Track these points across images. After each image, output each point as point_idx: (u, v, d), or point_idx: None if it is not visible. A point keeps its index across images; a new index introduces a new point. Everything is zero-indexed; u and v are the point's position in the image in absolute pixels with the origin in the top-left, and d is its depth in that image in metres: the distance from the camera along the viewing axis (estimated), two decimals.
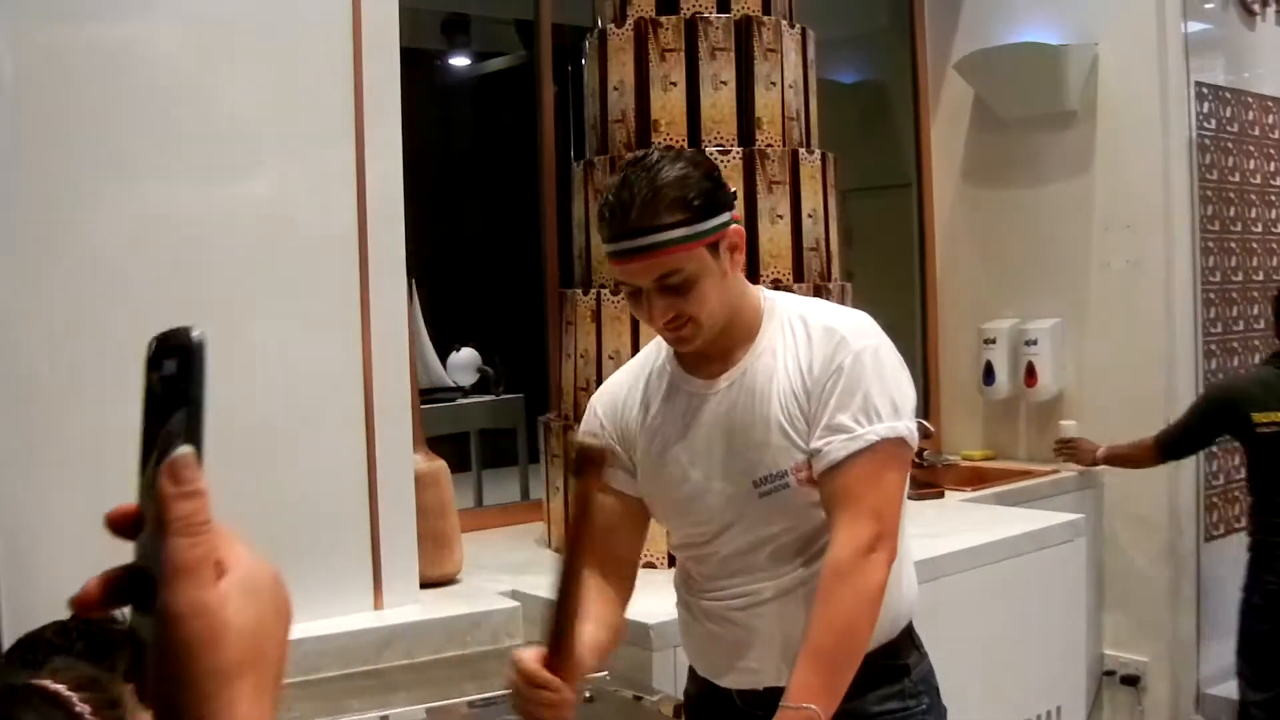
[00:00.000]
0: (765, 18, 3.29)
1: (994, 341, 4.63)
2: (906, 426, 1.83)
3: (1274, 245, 4.85)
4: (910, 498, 3.76)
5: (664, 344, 1.96)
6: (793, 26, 3.37)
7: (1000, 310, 4.73)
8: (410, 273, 4.30)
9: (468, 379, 4.83)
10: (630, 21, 3.27)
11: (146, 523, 0.65)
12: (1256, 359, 4.62)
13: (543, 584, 2.94)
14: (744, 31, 3.25)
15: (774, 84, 3.29)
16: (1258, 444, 3.81)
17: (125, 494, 2.38)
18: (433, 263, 5.48)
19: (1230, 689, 4.11)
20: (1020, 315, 4.65)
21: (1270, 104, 4.85)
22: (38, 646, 1.37)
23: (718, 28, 3.23)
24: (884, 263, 5.28)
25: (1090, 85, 4.46)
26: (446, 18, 5.54)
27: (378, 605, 2.73)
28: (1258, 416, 3.76)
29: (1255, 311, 4.71)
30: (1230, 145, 4.62)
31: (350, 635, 2.61)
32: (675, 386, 1.95)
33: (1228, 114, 4.62)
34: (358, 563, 2.71)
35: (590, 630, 1.77)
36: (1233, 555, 4.50)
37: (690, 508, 1.92)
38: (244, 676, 0.64)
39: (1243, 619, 3.87)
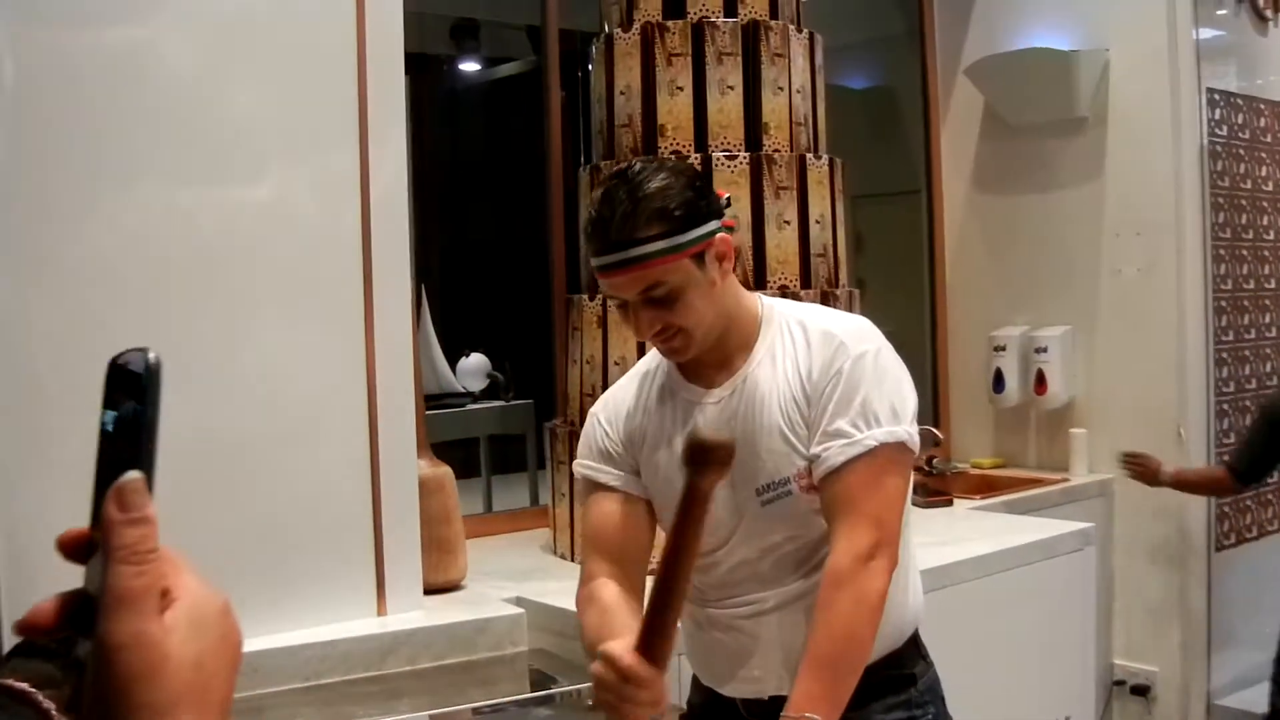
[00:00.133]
0: (773, 22, 3.28)
1: (1004, 349, 4.62)
2: (907, 431, 1.80)
3: None
4: (919, 505, 3.80)
5: None
6: (800, 31, 3.35)
7: (1010, 317, 4.70)
8: (420, 278, 4.30)
9: (477, 385, 4.82)
10: (637, 26, 3.26)
11: (97, 548, 0.64)
12: (1268, 367, 4.60)
13: (547, 590, 2.94)
14: (751, 36, 3.24)
15: (781, 89, 3.27)
16: None
17: None
18: (443, 268, 5.48)
19: (1240, 700, 4.09)
20: (1030, 322, 4.63)
21: None
22: None
23: (725, 32, 3.21)
24: (893, 269, 5.27)
25: (1101, 91, 4.44)
26: (456, 23, 5.53)
27: (381, 611, 2.72)
28: None
29: (1267, 319, 4.68)
30: (1242, 152, 4.60)
31: (353, 641, 2.60)
32: (676, 395, 1.93)
33: (1239, 120, 4.59)
34: (361, 569, 2.70)
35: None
36: (1244, 565, 4.48)
37: None
38: (183, 711, 0.62)
39: None
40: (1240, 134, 4.59)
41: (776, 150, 3.24)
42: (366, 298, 2.70)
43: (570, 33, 4.14)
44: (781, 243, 3.22)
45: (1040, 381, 4.53)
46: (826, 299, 3.19)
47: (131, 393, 0.65)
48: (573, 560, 3.18)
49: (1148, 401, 4.32)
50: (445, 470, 3.04)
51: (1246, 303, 4.60)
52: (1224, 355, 4.47)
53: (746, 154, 3.19)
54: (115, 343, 2.50)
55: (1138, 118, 4.36)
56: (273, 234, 2.61)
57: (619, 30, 3.30)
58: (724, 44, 3.21)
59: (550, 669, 2.65)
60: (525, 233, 4.76)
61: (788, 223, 3.23)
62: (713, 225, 1.81)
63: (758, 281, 3.15)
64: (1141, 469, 4.06)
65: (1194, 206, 4.35)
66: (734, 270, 1.90)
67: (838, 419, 1.78)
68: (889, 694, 1.91)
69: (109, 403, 0.65)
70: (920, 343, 4.96)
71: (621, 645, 1.52)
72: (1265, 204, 4.71)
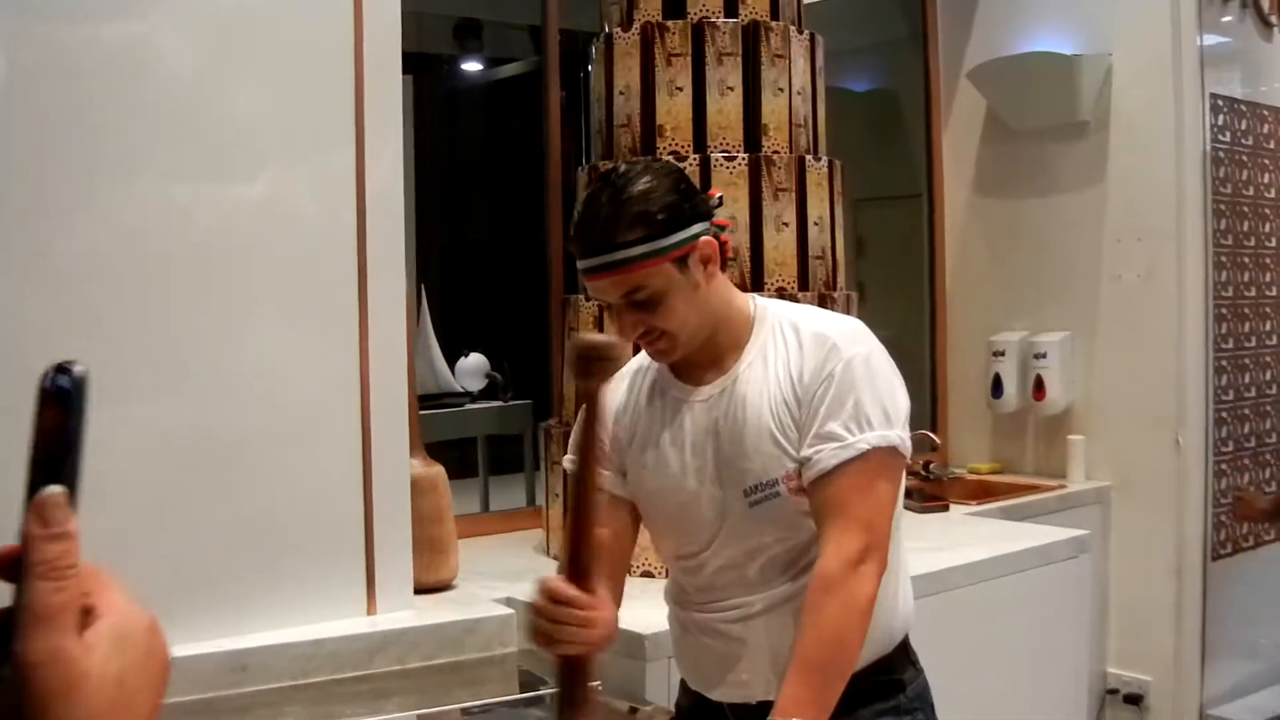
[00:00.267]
0: (773, 23, 3.26)
1: (1003, 354, 4.60)
2: (899, 435, 1.79)
3: None
4: (915, 510, 3.79)
5: None
6: (801, 32, 3.34)
7: (1010, 322, 4.69)
8: (420, 278, 4.29)
9: (476, 385, 4.82)
10: (637, 26, 3.25)
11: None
12: (1268, 375, 4.58)
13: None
14: (751, 37, 3.22)
15: (781, 90, 3.26)
16: None
17: (123, 497, 2.36)
18: (444, 268, 5.47)
19: (1234, 710, 4.08)
20: (1030, 328, 4.62)
21: None
22: None
23: (725, 33, 3.20)
24: (894, 273, 5.26)
25: (1104, 96, 4.43)
26: (459, 22, 5.53)
27: (371, 610, 2.70)
28: None
29: (1268, 327, 4.67)
30: (1245, 158, 4.58)
31: (342, 640, 2.58)
32: (666, 394, 1.93)
33: (1243, 127, 4.58)
34: (351, 567, 2.69)
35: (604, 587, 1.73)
36: (1240, 576, 4.46)
37: (681, 517, 1.90)
38: None
39: None
40: (1243, 140, 4.58)
41: (776, 152, 3.23)
42: (361, 297, 2.69)
43: (572, 33, 4.13)
44: (779, 244, 3.20)
45: (1039, 387, 4.51)
46: (824, 302, 3.17)
47: (58, 407, 0.64)
48: None
49: (1146, 408, 4.31)
50: (438, 470, 3.03)
51: (1247, 310, 4.58)
52: (1224, 363, 4.46)
53: (745, 155, 3.18)
54: (110, 339, 2.51)
55: (1140, 123, 4.35)
56: (269, 232, 2.60)
57: (619, 30, 3.29)
58: (724, 44, 3.20)
59: (539, 670, 2.64)
60: (526, 233, 4.75)
61: (786, 224, 3.21)
62: (697, 228, 1.80)
63: (755, 283, 3.14)
64: (1245, 507, 4.01)
65: (1196, 213, 4.33)
66: (726, 271, 1.89)
67: (829, 422, 1.77)
68: (877, 700, 1.90)
69: (37, 417, 0.64)
70: (919, 347, 4.95)
71: (552, 575, 1.57)
72: (1267, 211, 4.69)
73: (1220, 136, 4.46)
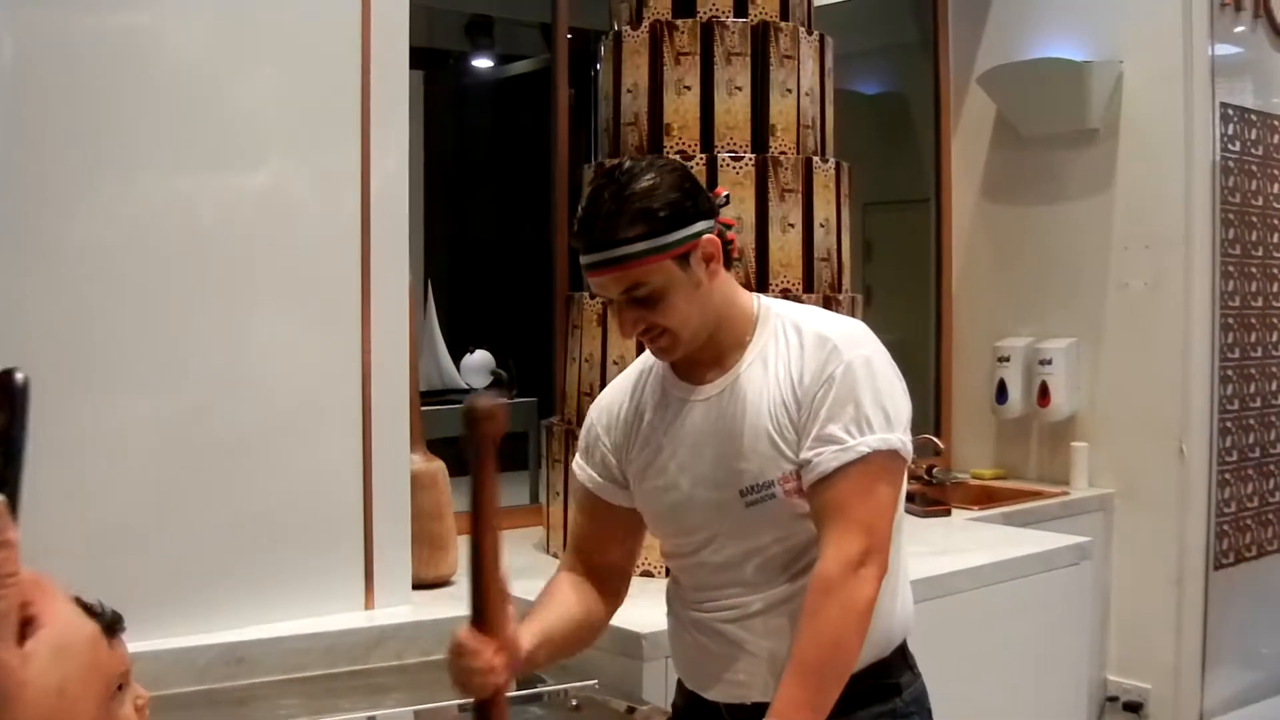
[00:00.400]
0: (783, 24, 3.25)
1: (1008, 360, 4.59)
2: (899, 438, 1.78)
3: None
4: (917, 515, 3.78)
5: None
6: (811, 33, 3.33)
7: (1016, 328, 4.68)
8: (427, 274, 4.28)
9: (481, 381, 4.81)
10: (646, 24, 3.24)
11: None
12: (1274, 385, 4.57)
13: (537, 588, 2.90)
14: (760, 37, 3.22)
15: (790, 91, 3.25)
16: None
17: (122, 489, 2.36)
18: (451, 264, 5.47)
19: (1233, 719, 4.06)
20: (1036, 334, 4.61)
21: None
22: None
23: (734, 32, 3.19)
24: (900, 277, 5.25)
25: (1114, 103, 4.42)
26: (470, 19, 5.53)
27: (369, 605, 2.71)
28: None
29: (1274, 338, 4.65)
30: (1254, 168, 4.57)
31: (339, 634, 2.58)
32: (667, 393, 1.92)
33: (1253, 136, 4.56)
34: (350, 562, 2.69)
35: (547, 618, 1.83)
36: (1243, 585, 4.45)
37: (678, 515, 1.90)
38: None
39: None
40: (1253, 150, 4.56)
41: (783, 152, 3.22)
42: (364, 292, 2.69)
43: (583, 31, 4.13)
44: (785, 246, 3.20)
45: (1044, 394, 4.50)
46: (829, 304, 3.17)
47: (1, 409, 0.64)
48: None
49: (1151, 417, 4.30)
50: (439, 465, 3.02)
51: (1254, 320, 4.57)
52: (1229, 372, 4.44)
53: (752, 155, 3.17)
54: (112, 332, 2.51)
55: (1150, 131, 4.34)
56: (272, 225, 2.60)
57: (628, 28, 3.29)
58: (733, 44, 3.19)
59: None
60: (532, 230, 4.75)
61: (792, 226, 3.21)
62: (700, 226, 1.80)
63: (760, 284, 3.13)
64: None
65: (1204, 222, 4.32)
66: (729, 270, 1.89)
67: (830, 424, 1.76)
68: (874, 703, 1.89)
69: None
70: (924, 351, 4.94)
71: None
72: (1276, 221, 4.68)
73: (1230, 146, 4.45)
